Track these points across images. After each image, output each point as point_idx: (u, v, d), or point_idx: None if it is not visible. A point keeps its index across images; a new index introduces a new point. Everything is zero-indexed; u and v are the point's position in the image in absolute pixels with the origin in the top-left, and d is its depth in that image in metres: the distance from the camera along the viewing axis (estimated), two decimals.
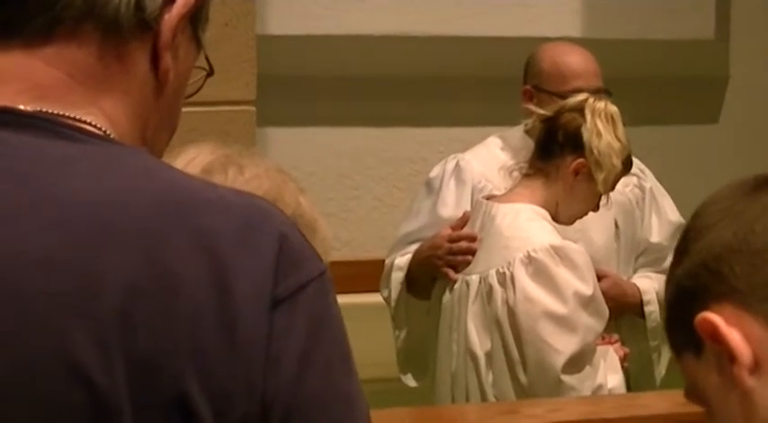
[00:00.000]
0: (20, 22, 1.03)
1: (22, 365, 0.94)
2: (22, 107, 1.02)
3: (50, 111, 1.02)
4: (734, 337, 1.01)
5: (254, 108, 3.63)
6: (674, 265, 1.08)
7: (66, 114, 1.03)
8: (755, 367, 1.01)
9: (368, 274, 3.57)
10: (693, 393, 1.07)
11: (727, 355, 1.01)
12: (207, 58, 1.15)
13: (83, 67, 1.04)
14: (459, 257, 2.94)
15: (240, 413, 0.95)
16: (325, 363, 0.99)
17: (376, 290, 3.30)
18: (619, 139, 2.85)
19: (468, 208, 3.08)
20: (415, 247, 3.13)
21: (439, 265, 2.98)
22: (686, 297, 1.05)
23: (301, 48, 4.16)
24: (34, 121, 1.01)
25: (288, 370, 0.97)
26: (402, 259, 3.15)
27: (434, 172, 3.24)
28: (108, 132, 1.04)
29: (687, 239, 1.07)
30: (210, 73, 1.17)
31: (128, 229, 0.96)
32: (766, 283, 1.01)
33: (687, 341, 1.05)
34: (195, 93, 1.16)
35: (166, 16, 1.06)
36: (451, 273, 2.94)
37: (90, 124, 1.03)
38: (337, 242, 4.03)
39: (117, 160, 1.02)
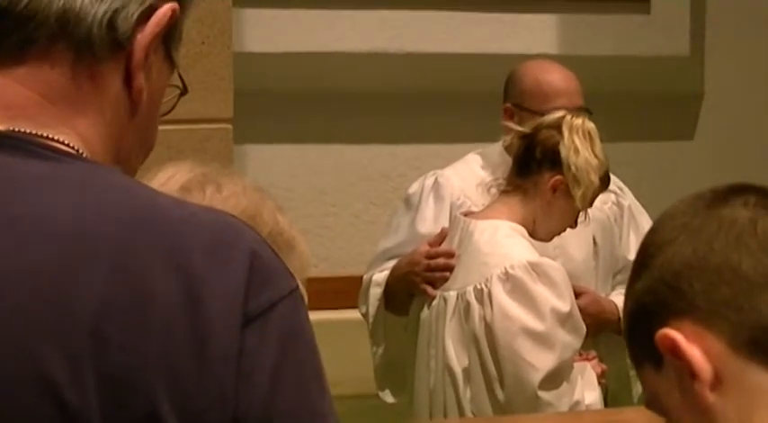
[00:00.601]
0: None
1: None
2: None
3: (23, 130, 1.02)
4: (694, 353, 1.02)
5: (230, 126, 3.63)
6: (633, 279, 1.09)
7: (39, 133, 1.03)
8: (716, 383, 1.02)
9: (345, 291, 3.57)
10: (653, 404, 1.08)
11: (687, 372, 1.02)
12: (180, 77, 1.15)
13: (55, 87, 1.04)
14: (438, 274, 2.94)
15: None
16: (296, 379, 0.99)
17: (353, 306, 3.29)
18: (596, 156, 2.86)
19: (447, 224, 3.08)
20: (393, 263, 3.13)
21: (417, 282, 2.98)
22: (646, 312, 1.06)
23: (278, 65, 4.16)
24: (6, 141, 1.01)
25: (260, 387, 0.97)
26: (380, 275, 3.15)
27: (413, 188, 3.25)
28: (81, 151, 1.04)
29: (646, 255, 1.07)
30: (184, 92, 1.17)
31: (100, 246, 0.96)
32: (725, 300, 1.02)
33: (647, 354, 1.06)
34: (169, 111, 1.16)
35: (139, 36, 1.06)
36: (429, 289, 2.94)
37: (63, 143, 1.03)
38: (315, 258, 4.02)
39: (90, 178, 1.02)
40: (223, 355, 0.96)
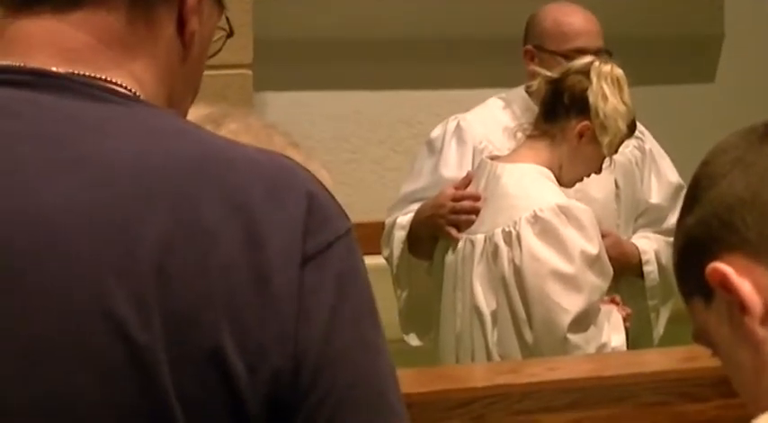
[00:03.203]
0: None
1: (64, 320, 0.96)
2: (54, 69, 1.03)
3: (81, 72, 1.04)
4: (745, 287, 1.02)
5: (250, 72, 3.63)
6: (684, 212, 1.08)
7: (97, 76, 1.04)
8: (766, 317, 1.02)
9: (367, 237, 3.54)
10: (701, 337, 1.08)
11: (737, 306, 1.03)
12: (227, 19, 1.16)
13: (111, 32, 1.05)
14: (463, 217, 2.94)
15: (273, 367, 0.97)
16: (353, 317, 1.01)
17: (375, 252, 3.29)
18: (624, 103, 2.86)
19: (469, 168, 3.08)
20: (416, 206, 3.13)
21: (441, 224, 2.98)
22: (697, 246, 1.06)
23: (297, 11, 4.15)
24: (67, 83, 1.03)
25: (318, 324, 0.98)
26: (404, 218, 3.15)
27: (435, 132, 3.24)
28: (137, 94, 1.05)
29: (698, 187, 1.07)
30: (231, 34, 1.18)
31: (162, 188, 0.98)
32: None
33: (697, 288, 1.06)
34: (216, 54, 1.17)
35: None
36: (454, 232, 2.94)
37: (120, 86, 1.05)
38: None
39: (148, 121, 1.03)
40: (284, 293, 0.98)
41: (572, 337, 2.77)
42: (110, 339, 0.95)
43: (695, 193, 1.07)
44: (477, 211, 2.91)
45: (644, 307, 3.30)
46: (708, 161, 1.08)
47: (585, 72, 2.85)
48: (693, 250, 1.06)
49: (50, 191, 0.98)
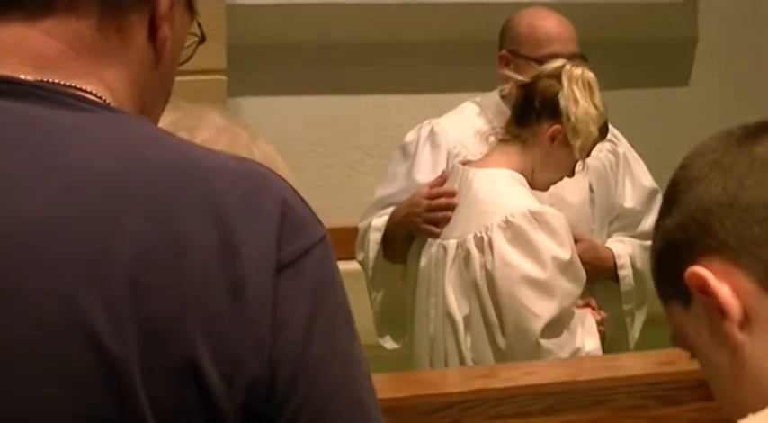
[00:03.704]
0: None
1: (35, 329, 0.95)
2: (23, 77, 1.02)
3: (52, 80, 1.03)
4: (724, 291, 1.02)
5: (224, 77, 3.62)
6: (663, 215, 1.08)
7: (68, 84, 1.03)
8: (745, 322, 1.02)
9: (342, 242, 3.55)
10: (679, 340, 1.08)
11: (716, 310, 1.02)
12: (199, 25, 1.16)
13: (83, 39, 1.04)
14: (440, 214, 2.93)
15: (248, 376, 0.96)
16: (329, 326, 1.00)
17: (349, 257, 3.29)
18: (596, 106, 2.86)
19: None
20: (390, 210, 3.13)
21: (418, 223, 2.97)
22: (675, 249, 1.06)
23: (271, 16, 4.14)
24: (36, 91, 1.02)
25: (294, 333, 0.98)
26: (379, 220, 3.14)
27: (409, 137, 3.24)
28: (108, 102, 1.05)
29: (675, 191, 1.07)
30: (202, 40, 1.17)
31: (137, 195, 0.97)
32: (756, 238, 1.02)
33: (675, 292, 1.06)
34: (187, 60, 1.16)
35: None
36: (433, 229, 2.94)
37: (91, 93, 1.04)
38: None
39: (121, 128, 1.02)
40: (259, 302, 0.97)
41: (545, 343, 2.77)
42: (82, 349, 0.94)
43: (673, 196, 1.07)
44: (453, 208, 2.91)
45: (619, 311, 3.31)
46: (685, 164, 1.07)
47: (557, 76, 2.85)
48: (671, 254, 1.06)
49: (21, 199, 0.97)
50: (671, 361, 2.57)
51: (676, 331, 1.08)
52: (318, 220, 1.03)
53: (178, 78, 1.15)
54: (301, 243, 0.99)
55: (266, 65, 4.15)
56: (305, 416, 0.98)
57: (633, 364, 2.83)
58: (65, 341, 0.94)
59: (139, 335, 0.94)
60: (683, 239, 1.05)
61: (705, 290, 1.02)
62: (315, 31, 4.18)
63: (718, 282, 1.02)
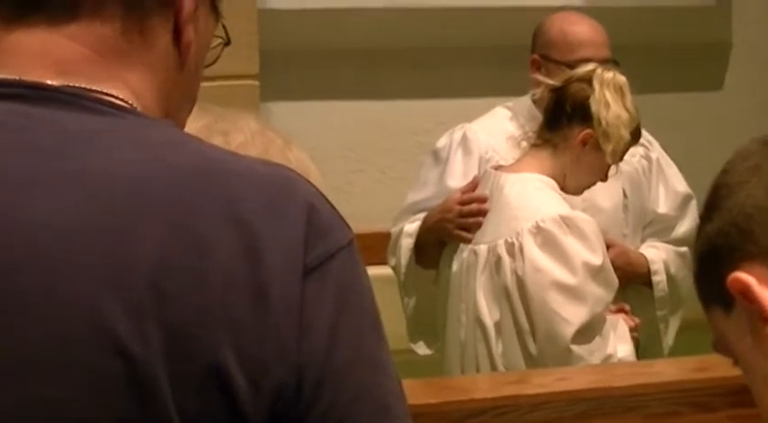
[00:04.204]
0: None
1: (59, 336, 0.94)
2: (48, 82, 1.02)
3: (76, 85, 1.02)
4: (766, 297, 1.00)
5: (256, 82, 3.63)
6: (704, 220, 1.07)
7: (92, 88, 1.03)
8: None
9: (372, 247, 3.55)
10: (721, 346, 1.07)
11: (759, 315, 1.02)
12: (224, 28, 1.15)
13: (106, 43, 1.04)
14: (471, 220, 2.92)
15: (275, 382, 0.96)
16: (355, 330, 0.99)
17: (380, 262, 3.28)
18: (627, 110, 2.84)
19: None
20: (422, 216, 3.12)
21: (450, 229, 2.97)
22: (716, 254, 1.05)
23: (302, 21, 4.14)
24: (60, 96, 1.02)
25: (320, 338, 0.97)
26: (411, 226, 3.14)
27: (441, 142, 3.23)
28: (133, 105, 1.04)
29: (717, 196, 1.06)
30: (228, 42, 1.17)
31: (159, 200, 0.97)
32: None
33: (717, 297, 1.05)
34: (213, 62, 1.16)
35: None
36: (465, 234, 2.93)
37: (115, 97, 1.04)
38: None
39: (144, 132, 1.02)
40: (284, 307, 0.96)
41: (576, 349, 2.76)
42: (106, 354, 0.93)
43: (714, 201, 1.06)
44: (484, 213, 2.90)
45: (653, 317, 3.29)
46: (727, 169, 1.07)
47: (588, 80, 2.84)
48: (713, 259, 1.05)
49: (43, 204, 0.96)
50: (705, 367, 2.55)
51: (718, 337, 1.07)
52: (346, 225, 1.02)
53: (210, 83, 1.14)
54: (327, 247, 0.99)
55: (297, 70, 4.16)
56: (332, 420, 0.97)
57: (667, 370, 2.81)
58: (88, 346, 0.94)
59: (163, 340, 0.94)
60: (724, 245, 1.04)
61: (747, 295, 1.01)
62: (345, 36, 4.18)
63: (762, 287, 1.00)
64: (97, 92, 1.03)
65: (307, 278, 0.97)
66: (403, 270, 3.16)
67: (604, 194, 3.14)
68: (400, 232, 3.16)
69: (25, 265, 0.95)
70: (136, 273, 0.94)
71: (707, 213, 1.07)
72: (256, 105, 3.61)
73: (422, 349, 3.24)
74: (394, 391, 1.01)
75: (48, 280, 0.95)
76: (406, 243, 3.14)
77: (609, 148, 2.84)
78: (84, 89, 1.02)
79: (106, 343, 0.94)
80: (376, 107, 4.27)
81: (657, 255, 3.28)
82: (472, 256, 2.89)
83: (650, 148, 3.34)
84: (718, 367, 2.50)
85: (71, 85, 1.02)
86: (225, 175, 0.99)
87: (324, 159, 4.08)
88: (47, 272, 0.95)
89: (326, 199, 1.03)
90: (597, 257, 2.79)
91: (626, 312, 3.00)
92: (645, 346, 3.21)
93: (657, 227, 3.33)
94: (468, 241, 2.91)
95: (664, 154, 3.38)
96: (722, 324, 1.06)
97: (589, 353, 2.78)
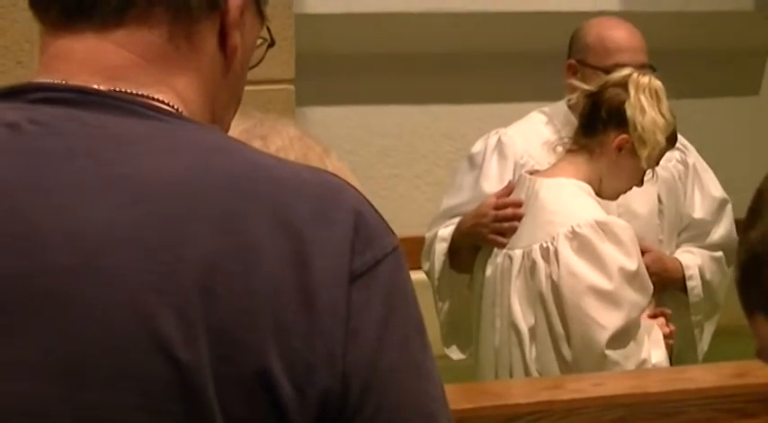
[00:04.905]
0: (92, 5, 1.05)
1: (107, 340, 0.95)
2: (96, 86, 1.03)
3: (124, 90, 1.03)
4: None
5: (293, 87, 3.63)
6: (747, 226, 1.06)
7: (139, 93, 1.04)
8: None
9: (408, 252, 3.55)
10: (765, 353, 1.06)
11: None
12: (269, 30, 1.16)
13: (154, 49, 1.05)
14: (506, 224, 2.92)
15: (321, 388, 0.96)
16: (401, 337, 1.00)
17: (415, 267, 3.29)
18: (663, 115, 2.83)
19: None
20: (456, 220, 3.12)
21: (485, 233, 2.96)
22: (759, 261, 1.04)
23: (340, 26, 4.15)
24: (109, 100, 1.02)
25: (366, 344, 0.97)
26: (445, 231, 3.14)
27: (476, 147, 3.23)
28: (180, 110, 1.05)
29: (760, 201, 1.05)
30: (272, 44, 1.17)
31: (206, 206, 0.97)
32: None
33: (760, 304, 1.04)
34: (258, 64, 1.17)
35: None
36: (500, 239, 2.93)
37: (162, 102, 1.05)
38: None
39: (192, 138, 1.03)
40: (331, 313, 0.97)
41: (611, 354, 2.75)
42: (154, 359, 0.94)
43: (758, 207, 1.05)
44: (519, 218, 2.89)
45: (688, 322, 3.28)
46: None
47: (623, 85, 2.83)
48: (756, 265, 1.04)
49: (91, 209, 0.97)
50: (742, 373, 2.54)
51: (761, 345, 1.06)
52: (391, 231, 1.03)
53: (247, 88, 1.15)
54: (374, 253, 0.99)
55: (333, 74, 4.16)
56: None
57: (703, 375, 2.79)
58: (137, 351, 0.95)
59: (210, 345, 0.94)
60: (766, 252, 1.03)
61: None
62: (382, 41, 4.18)
63: None
64: (144, 97, 1.04)
65: (353, 284, 0.98)
66: (437, 274, 3.16)
67: (640, 200, 3.14)
68: (434, 236, 3.16)
69: (76, 271, 0.96)
70: (184, 278, 0.95)
71: (750, 220, 1.06)
72: (292, 110, 3.62)
73: (455, 354, 3.24)
74: (438, 397, 1.01)
75: (98, 285, 0.95)
76: (441, 247, 3.14)
77: (644, 153, 2.83)
78: (132, 94, 1.03)
79: (154, 349, 0.94)
80: (412, 112, 4.27)
81: (693, 260, 3.27)
82: (507, 260, 2.89)
83: (686, 152, 3.33)
84: (757, 373, 2.49)
85: (118, 89, 1.03)
86: (272, 181, 1.00)
87: (360, 164, 4.10)
88: (96, 277, 0.95)
89: (372, 206, 1.03)
90: (633, 263, 2.78)
91: (666, 317, 2.98)
92: (679, 351, 3.20)
93: (693, 232, 3.32)
94: (503, 246, 2.91)
95: (700, 159, 3.37)
96: (765, 331, 1.05)
97: (624, 358, 2.78)
